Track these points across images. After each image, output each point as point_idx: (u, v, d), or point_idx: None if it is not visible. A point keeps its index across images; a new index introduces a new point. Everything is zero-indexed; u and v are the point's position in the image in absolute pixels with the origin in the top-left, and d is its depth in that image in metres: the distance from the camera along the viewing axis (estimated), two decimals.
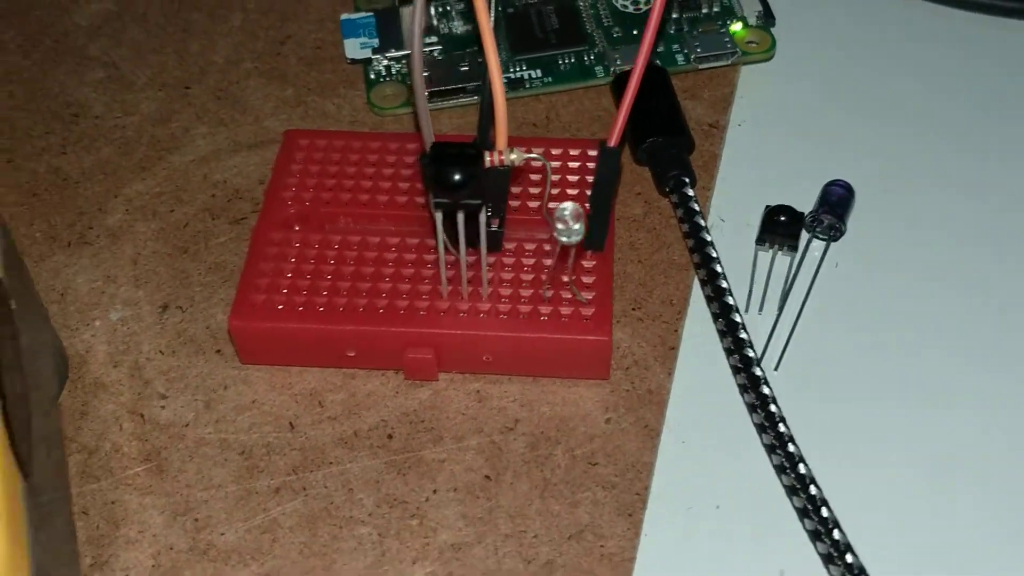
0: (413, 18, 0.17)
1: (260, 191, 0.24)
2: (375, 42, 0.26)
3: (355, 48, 0.26)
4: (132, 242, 0.23)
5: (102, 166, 0.24)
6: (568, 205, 0.17)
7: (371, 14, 0.27)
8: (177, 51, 0.27)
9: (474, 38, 0.26)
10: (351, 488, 0.19)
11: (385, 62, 0.26)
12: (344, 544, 0.18)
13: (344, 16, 0.27)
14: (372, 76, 0.26)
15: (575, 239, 0.17)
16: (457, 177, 0.18)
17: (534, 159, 0.19)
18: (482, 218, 0.19)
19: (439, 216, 0.19)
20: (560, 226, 0.17)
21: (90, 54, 0.27)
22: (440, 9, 0.27)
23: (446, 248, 0.19)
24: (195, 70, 0.27)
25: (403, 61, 0.26)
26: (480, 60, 0.25)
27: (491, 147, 0.18)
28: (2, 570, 0.14)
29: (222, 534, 0.19)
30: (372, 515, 0.19)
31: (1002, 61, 0.26)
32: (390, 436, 0.20)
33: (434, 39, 0.26)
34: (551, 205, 0.19)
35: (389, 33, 0.26)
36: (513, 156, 0.18)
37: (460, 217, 0.19)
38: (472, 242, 0.19)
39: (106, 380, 0.21)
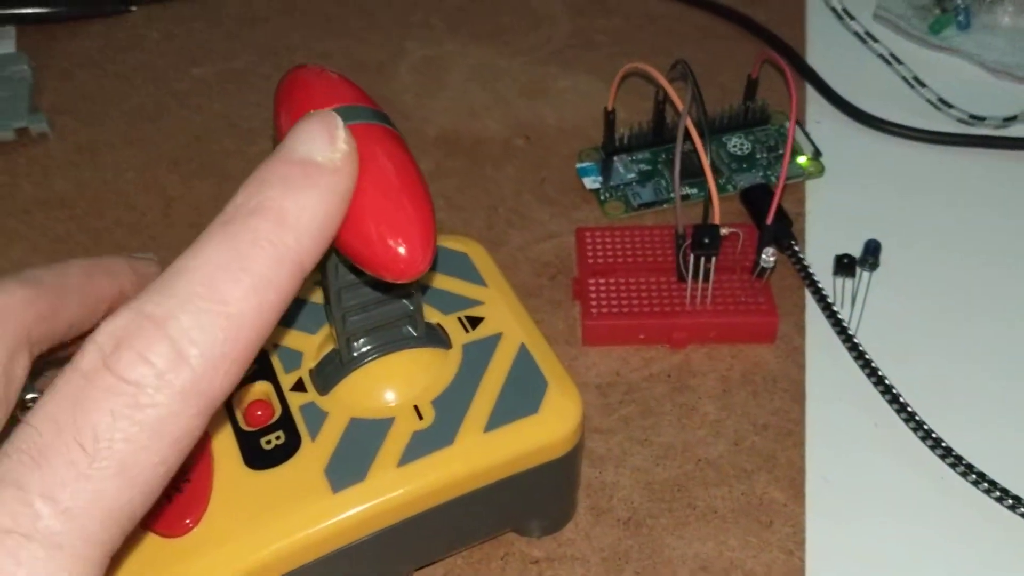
0: (674, 168, 0.37)
1: (558, 263, 0.43)
2: (600, 178, 0.46)
3: (590, 182, 0.46)
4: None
5: None
6: (770, 248, 0.36)
7: (594, 163, 0.47)
8: (484, 189, 0.46)
9: (653, 174, 0.46)
10: (657, 399, 0.38)
11: (608, 190, 0.46)
12: (663, 420, 0.37)
13: (578, 165, 0.47)
14: (602, 198, 0.45)
15: (772, 264, 0.36)
16: (708, 240, 0.37)
17: (734, 231, 0.38)
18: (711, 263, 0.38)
19: (691, 260, 0.38)
20: (765, 258, 0.36)
21: (431, 191, 0.46)
22: (631, 158, 0.46)
23: (686, 277, 0.39)
24: (495, 199, 0.46)
25: (620, 188, 0.45)
26: (665, 185, 0.45)
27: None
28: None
29: (598, 421, 0.37)
30: (671, 410, 0.37)
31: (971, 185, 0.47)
32: (669, 375, 0.39)
33: (633, 175, 0.46)
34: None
35: (607, 173, 0.46)
36: (725, 230, 0.38)
37: (702, 260, 0.38)
38: (700, 275, 0.39)
39: None
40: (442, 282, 0.34)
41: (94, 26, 0.57)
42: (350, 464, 0.29)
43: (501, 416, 0.30)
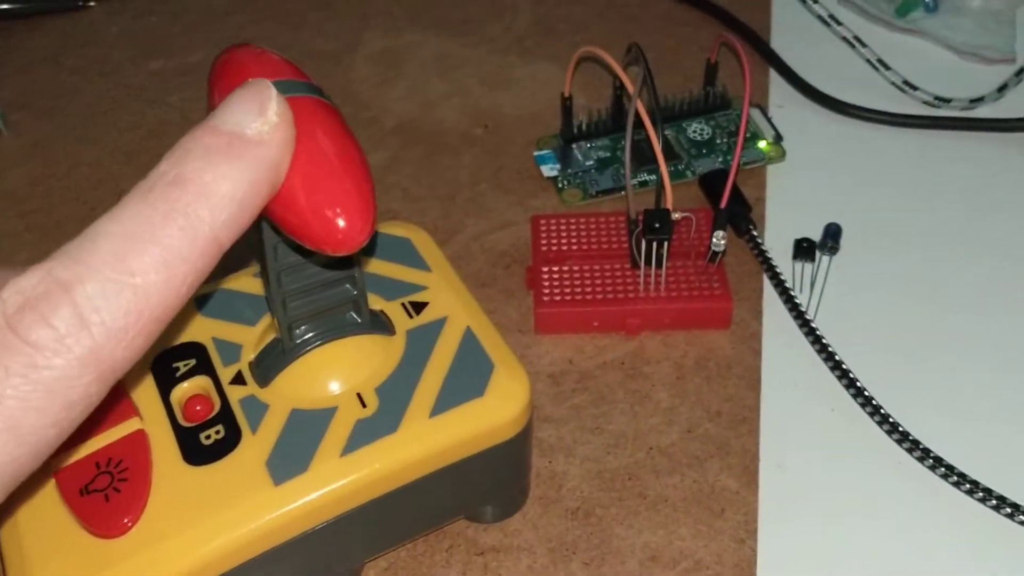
0: (625, 153, 0.36)
1: (513, 252, 0.42)
2: (558, 166, 0.45)
3: (548, 170, 0.45)
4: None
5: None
6: (720, 232, 0.36)
7: (552, 151, 0.46)
8: (441, 178, 0.46)
9: (611, 161, 0.45)
10: (610, 387, 0.37)
11: (566, 177, 0.45)
12: (615, 408, 0.36)
13: (536, 152, 0.46)
14: (560, 186, 0.45)
15: (722, 248, 0.36)
16: (659, 225, 0.37)
17: (686, 216, 0.38)
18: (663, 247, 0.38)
19: (643, 246, 0.37)
20: (716, 242, 0.36)
21: (388, 182, 0.46)
22: (590, 145, 0.46)
23: (639, 263, 0.38)
24: (453, 188, 0.45)
25: (578, 176, 0.45)
26: (622, 172, 0.45)
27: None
28: None
29: (549, 410, 0.36)
30: (624, 398, 0.37)
31: (930, 164, 0.46)
32: (623, 363, 0.38)
33: (592, 163, 0.45)
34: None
35: (565, 161, 0.45)
36: (677, 215, 0.37)
37: (654, 246, 0.37)
38: (653, 261, 0.38)
39: None
40: (384, 268, 0.34)
41: (53, 22, 0.56)
42: (292, 456, 0.29)
43: (447, 400, 0.30)
